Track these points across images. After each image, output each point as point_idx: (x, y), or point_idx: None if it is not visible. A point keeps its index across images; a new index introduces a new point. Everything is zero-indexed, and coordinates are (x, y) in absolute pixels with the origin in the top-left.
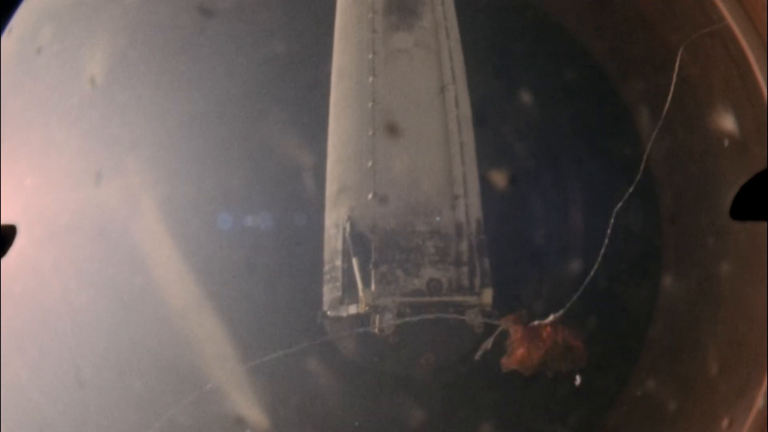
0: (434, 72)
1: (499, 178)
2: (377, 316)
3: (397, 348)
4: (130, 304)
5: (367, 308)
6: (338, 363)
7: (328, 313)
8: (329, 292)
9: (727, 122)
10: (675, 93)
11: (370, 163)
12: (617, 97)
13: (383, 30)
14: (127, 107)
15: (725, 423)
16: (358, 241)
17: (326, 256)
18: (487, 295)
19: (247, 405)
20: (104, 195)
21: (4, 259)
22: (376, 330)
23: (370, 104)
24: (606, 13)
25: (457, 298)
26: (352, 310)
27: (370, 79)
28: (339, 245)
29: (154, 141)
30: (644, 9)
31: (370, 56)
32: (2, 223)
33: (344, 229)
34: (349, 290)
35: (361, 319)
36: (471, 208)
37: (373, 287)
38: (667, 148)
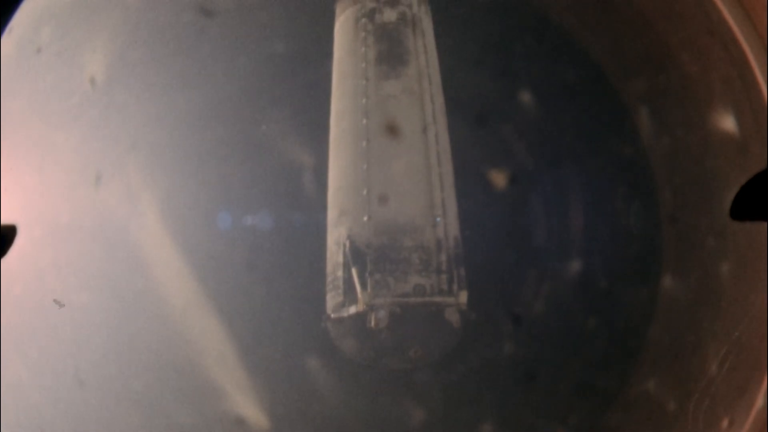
0: (418, 114)
1: (499, 178)
2: (373, 314)
3: (389, 342)
4: (130, 304)
5: (364, 307)
6: (338, 362)
7: (332, 315)
8: (332, 298)
9: (727, 122)
10: (675, 92)
11: (365, 192)
12: (617, 96)
13: (374, 78)
14: (127, 107)
15: (725, 423)
16: (356, 255)
17: (329, 269)
18: (463, 297)
19: (247, 404)
20: (104, 194)
21: (4, 259)
22: (373, 324)
23: (364, 143)
24: (606, 13)
25: (438, 299)
26: (352, 310)
27: (364, 121)
28: (340, 259)
29: (154, 141)
30: (644, 9)
31: (364, 101)
32: (2, 223)
33: (344, 246)
34: (349, 295)
35: (360, 318)
36: (449, 227)
37: (369, 291)
38: (667, 147)
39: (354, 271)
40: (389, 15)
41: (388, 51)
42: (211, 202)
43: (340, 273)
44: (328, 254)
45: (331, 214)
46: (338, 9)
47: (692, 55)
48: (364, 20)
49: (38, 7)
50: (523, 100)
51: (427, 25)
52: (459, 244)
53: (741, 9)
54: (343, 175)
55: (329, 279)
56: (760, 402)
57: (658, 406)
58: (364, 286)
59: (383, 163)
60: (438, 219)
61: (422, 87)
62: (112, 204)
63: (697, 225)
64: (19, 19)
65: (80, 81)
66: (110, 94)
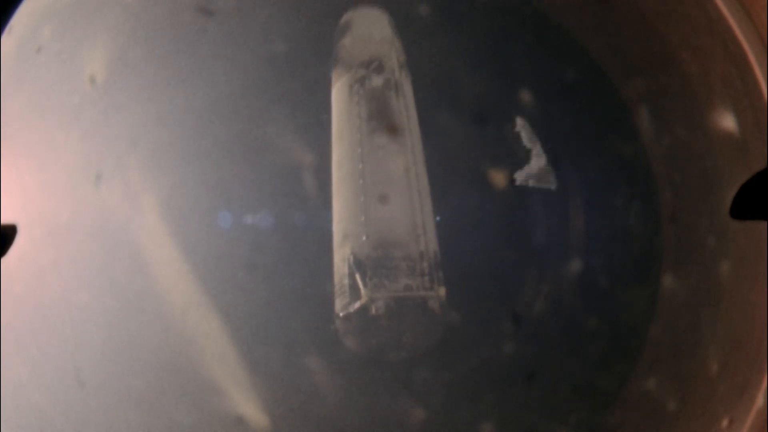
0: (401, 159)
1: (498, 178)
2: (373, 305)
3: (387, 331)
4: (131, 304)
5: (367, 299)
6: (339, 362)
7: (341, 314)
8: (340, 301)
9: (727, 121)
10: (675, 92)
11: (362, 219)
12: (617, 96)
13: (366, 132)
14: (127, 106)
15: (725, 422)
16: (358, 266)
17: (336, 280)
18: (441, 291)
19: (247, 404)
20: (104, 194)
21: (5, 259)
22: (373, 312)
23: (361, 182)
24: (606, 12)
25: (422, 293)
26: (357, 304)
27: (360, 166)
28: (346, 271)
29: (154, 140)
30: (644, 8)
31: (359, 150)
32: (2, 222)
33: (349, 260)
34: (353, 295)
35: (363, 310)
36: (429, 242)
37: (369, 288)
38: (667, 147)
39: (357, 276)
40: (376, 81)
41: (377, 110)
42: (212, 201)
43: (345, 281)
44: (335, 269)
45: (336, 238)
46: (334, 76)
47: (692, 55)
48: (356, 85)
49: (38, 7)
50: (522, 100)
51: (407, 88)
52: (437, 254)
53: (741, 8)
54: (345, 209)
55: (337, 288)
56: (760, 401)
57: (658, 406)
58: (365, 285)
59: (378, 196)
60: (419, 236)
61: (405, 138)
62: (112, 203)
63: (697, 224)
64: (19, 19)
65: (80, 80)
66: (110, 93)
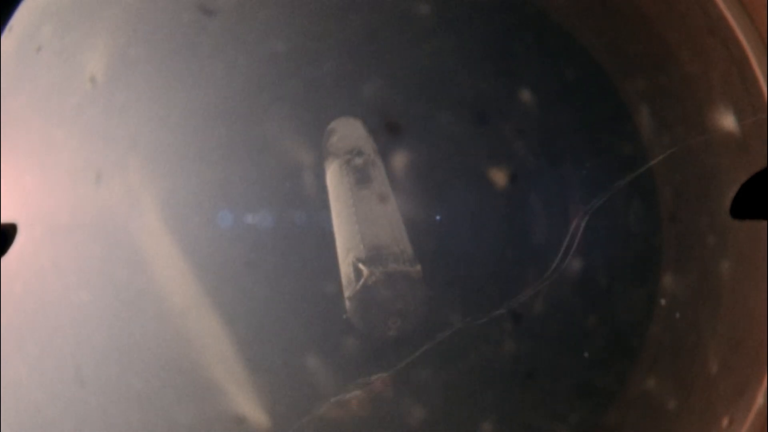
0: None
1: (499, 176)
2: (373, 277)
3: (383, 299)
4: (131, 303)
5: (366, 275)
6: (339, 362)
7: (350, 295)
8: (347, 289)
9: (728, 121)
10: (675, 91)
11: (359, 237)
12: (617, 95)
13: (355, 189)
14: (127, 106)
15: (725, 422)
16: (360, 261)
17: (344, 280)
18: (418, 267)
19: (247, 403)
20: (104, 193)
21: (5, 258)
22: (372, 281)
23: (355, 220)
24: (606, 12)
25: (404, 269)
26: (361, 281)
27: (353, 209)
28: (351, 270)
29: (155, 140)
30: (644, 7)
31: (352, 201)
32: (2, 221)
33: (352, 263)
34: (357, 278)
35: (365, 286)
36: (405, 249)
37: (369, 270)
38: (667, 147)
39: (360, 266)
40: (358, 161)
41: (360, 177)
42: (212, 201)
43: (352, 277)
44: (342, 273)
45: (341, 253)
46: (327, 165)
47: (692, 54)
48: (344, 165)
49: (39, 6)
50: (522, 99)
51: (379, 163)
52: (411, 253)
53: (741, 7)
54: (345, 228)
55: (345, 283)
56: (760, 400)
57: (658, 405)
58: (366, 269)
59: (368, 221)
60: (398, 243)
61: (380, 191)
62: (112, 203)
63: (697, 224)
64: (19, 18)
65: (81, 80)
66: (110, 93)
